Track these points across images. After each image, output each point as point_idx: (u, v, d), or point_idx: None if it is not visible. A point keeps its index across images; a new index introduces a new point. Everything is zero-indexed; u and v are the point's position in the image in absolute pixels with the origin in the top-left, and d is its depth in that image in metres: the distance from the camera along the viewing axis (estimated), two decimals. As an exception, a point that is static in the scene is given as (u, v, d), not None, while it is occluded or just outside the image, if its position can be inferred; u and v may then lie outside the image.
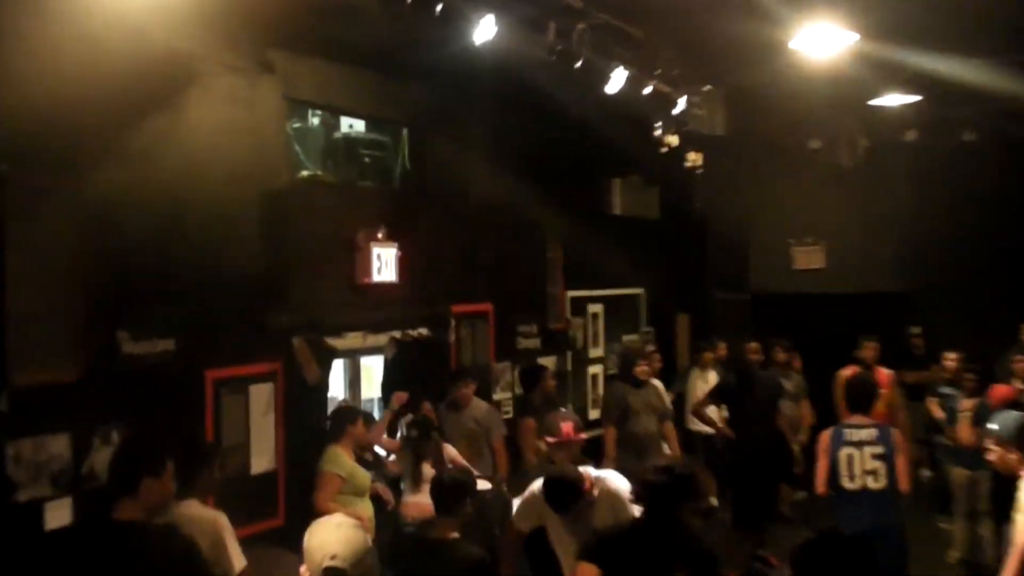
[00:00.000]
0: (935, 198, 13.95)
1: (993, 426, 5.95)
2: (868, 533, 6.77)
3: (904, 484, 7.38)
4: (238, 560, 5.36)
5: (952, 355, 11.32)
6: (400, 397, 8.59)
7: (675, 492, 4.85)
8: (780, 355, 11.79)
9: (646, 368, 10.04)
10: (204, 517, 5.38)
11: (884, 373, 10.80)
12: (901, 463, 7.38)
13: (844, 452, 7.45)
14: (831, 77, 10.34)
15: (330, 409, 8.33)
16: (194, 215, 6.94)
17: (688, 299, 14.05)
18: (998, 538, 8.69)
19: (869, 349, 11.30)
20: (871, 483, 7.38)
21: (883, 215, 14.43)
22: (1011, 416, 6.01)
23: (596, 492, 5.74)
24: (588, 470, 5.86)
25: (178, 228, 6.82)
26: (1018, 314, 12.16)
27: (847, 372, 10.92)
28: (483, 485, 7.34)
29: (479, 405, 9.31)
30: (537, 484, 5.84)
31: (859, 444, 7.42)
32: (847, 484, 7.39)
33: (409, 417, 8.49)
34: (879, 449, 7.39)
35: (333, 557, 3.98)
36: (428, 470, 7.90)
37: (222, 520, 5.44)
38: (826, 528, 4.14)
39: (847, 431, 7.50)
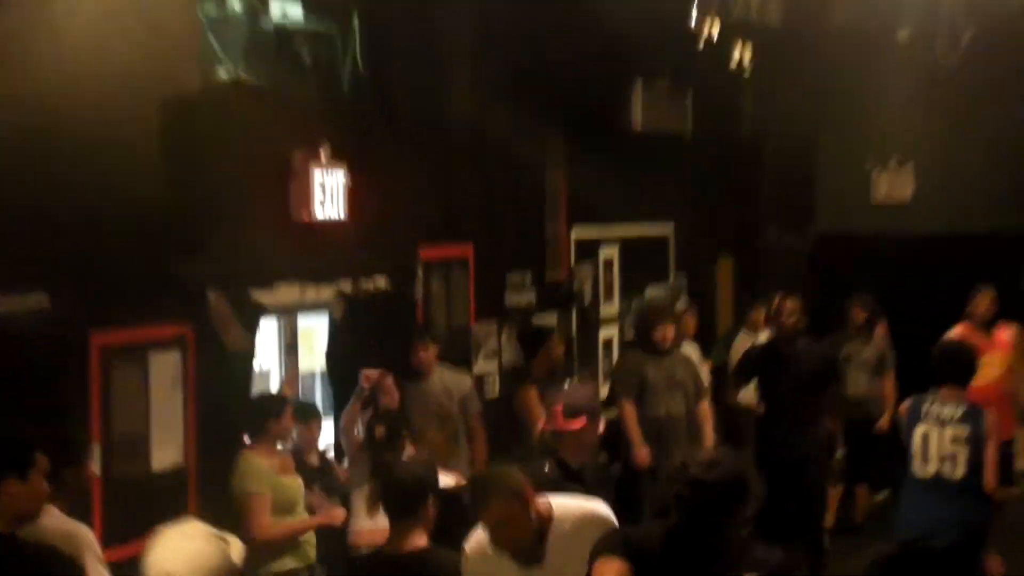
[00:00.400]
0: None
1: None
2: (933, 532, 7.06)
3: (991, 480, 7.52)
4: None
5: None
6: (369, 376, 8.64)
7: (721, 495, 4.76)
8: (858, 315, 11.85)
9: (670, 332, 10.06)
10: (61, 531, 5.24)
11: (1005, 333, 10.86)
12: (991, 452, 7.54)
13: (920, 430, 7.72)
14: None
15: (256, 385, 8.40)
16: (73, 133, 6.91)
17: (733, 240, 14.10)
18: None
19: (984, 302, 11.33)
20: (947, 470, 7.58)
21: (993, 130, 14.37)
22: None
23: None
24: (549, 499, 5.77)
25: (53, 150, 6.79)
26: None
27: (957, 331, 10.99)
28: (447, 481, 7.40)
29: (446, 372, 9.42)
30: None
31: (940, 422, 7.63)
32: (918, 469, 7.66)
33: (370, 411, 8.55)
34: (964, 431, 7.57)
35: None
36: None
37: (84, 535, 5.40)
38: (909, 540, 4.19)
39: (928, 405, 7.72)
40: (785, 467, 9.62)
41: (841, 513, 11.97)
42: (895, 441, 11.93)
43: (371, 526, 7.98)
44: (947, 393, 7.75)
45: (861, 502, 11.95)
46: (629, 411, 9.78)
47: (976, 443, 7.51)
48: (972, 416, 7.60)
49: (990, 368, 10.05)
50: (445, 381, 9.35)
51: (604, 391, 11.62)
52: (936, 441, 7.62)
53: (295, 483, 7.78)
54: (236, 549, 4.42)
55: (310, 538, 7.84)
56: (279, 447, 7.88)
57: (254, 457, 7.63)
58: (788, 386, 9.93)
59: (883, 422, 11.61)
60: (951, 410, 7.65)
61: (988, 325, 10.97)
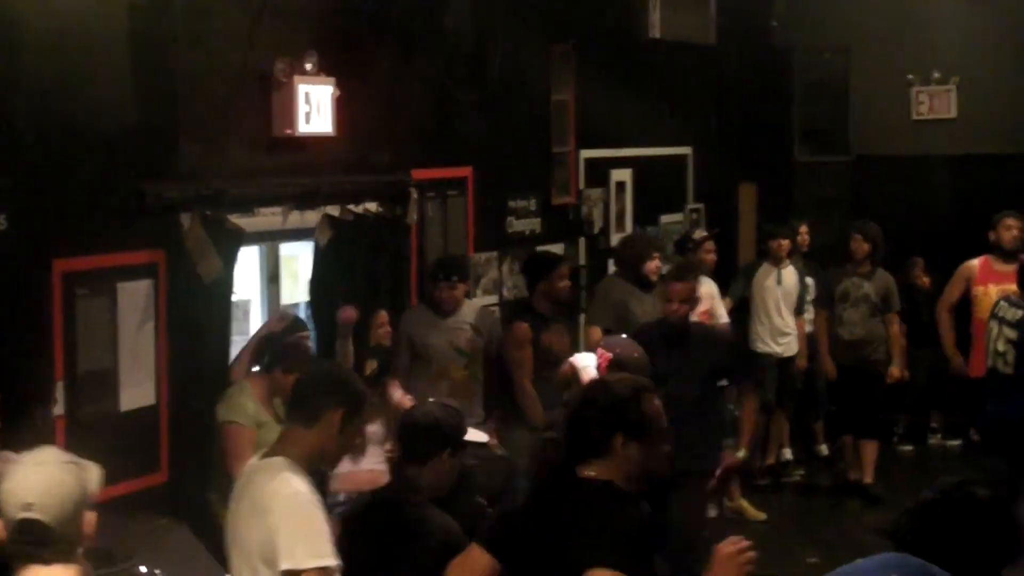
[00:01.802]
0: None
1: None
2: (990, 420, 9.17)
3: None
4: None
5: None
6: (349, 314, 8.66)
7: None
8: (860, 247, 11.86)
9: (657, 264, 10.27)
10: None
11: None
12: None
13: (992, 323, 9.44)
14: None
15: (237, 316, 8.41)
16: (33, 37, 6.89)
17: (759, 162, 14.14)
18: None
19: (1010, 229, 11.37)
20: (1000, 366, 9.19)
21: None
22: None
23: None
24: None
25: (10, 57, 6.78)
26: None
27: (976, 262, 11.16)
28: (478, 436, 7.46)
29: (474, 307, 9.56)
30: None
31: (1003, 321, 9.20)
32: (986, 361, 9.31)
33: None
34: (1014, 334, 8.92)
35: (28, 506, 4.06)
36: (372, 427, 7.96)
37: None
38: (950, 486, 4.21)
39: (1004, 302, 9.46)
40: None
41: (846, 471, 12.18)
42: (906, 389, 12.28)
43: (350, 468, 7.99)
44: (1019, 296, 9.28)
45: (867, 459, 11.97)
46: (595, 332, 9.95)
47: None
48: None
49: None
50: (470, 318, 9.44)
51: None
52: (995, 337, 9.20)
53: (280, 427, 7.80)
54: (94, 476, 4.44)
55: None
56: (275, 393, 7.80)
57: (246, 386, 7.70)
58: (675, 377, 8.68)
59: (894, 370, 11.84)
60: (1013, 312, 8.99)
61: (1012, 255, 10.96)
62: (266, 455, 5.07)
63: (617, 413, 4.80)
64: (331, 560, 4.78)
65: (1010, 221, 11.30)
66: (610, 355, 6.92)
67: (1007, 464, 9.26)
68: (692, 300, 9.13)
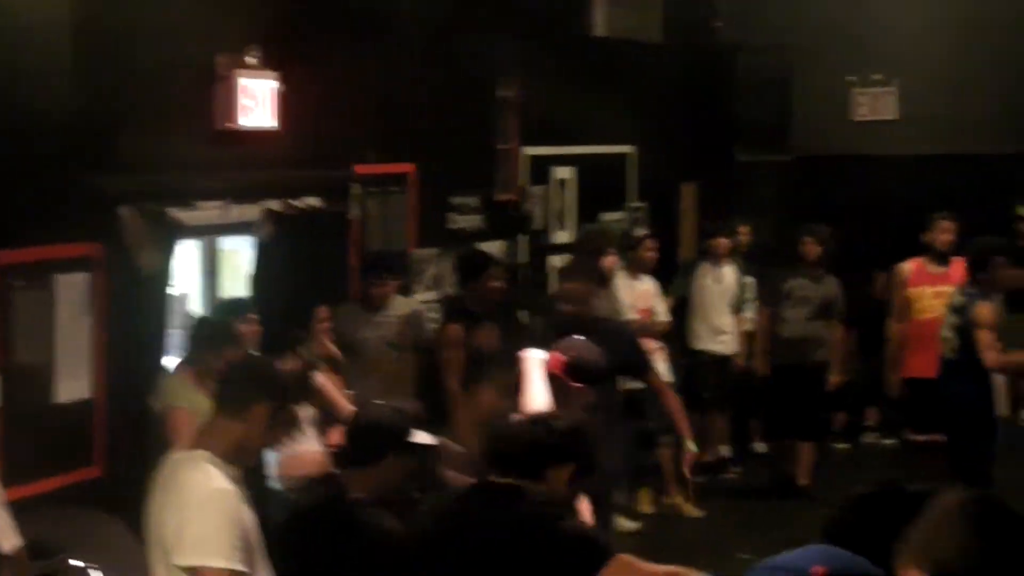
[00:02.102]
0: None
1: None
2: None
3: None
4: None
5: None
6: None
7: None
8: (811, 250, 11.84)
9: (613, 259, 10.26)
10: None
11: (960, 265, 10.74)
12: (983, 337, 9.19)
13: (947, 313, 9.77)
14: None
15: (176, 310, 8.38)
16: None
17: (700, 162, 14.14)
18: None
19: (942, 232, 11.44)
20: (947, 352, 9.58)
21: (989, 46, 14.54)
22: None
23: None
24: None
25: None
26: None
27: (910, 265, 11.22)
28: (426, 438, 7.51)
29: (406, 303, 9.64)
30: None
31: (950, 308, 9.65)
32: None
33: None
34: (956, 319, 9.46)
35: None
36: (305, 410, 8.09)
37: None
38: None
39: (955, 292, 9.77)
40: None
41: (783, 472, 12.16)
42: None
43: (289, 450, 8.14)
44: (966, 285, 9.65)
45: (804, 459, 11.98)
46: None
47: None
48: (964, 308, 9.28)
49: (940, 301, 10.53)
50: (399, 312, 9.56)
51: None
52: (944, 324, 9.62)
53: None
54: None
55: None
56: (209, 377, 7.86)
57: (184, 379, 7.73)
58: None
59: (833, 378, 11.89)
60: (959, 299, 9.49)
61: (946, 257, 11.08)
62: (188, 448, 5.04)
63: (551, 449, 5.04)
64: (235, 564, 4.74)
65: (945, 223, 11.37)
66: (565, 358, 6.88)
67: (944, 448, 9.62)
68: (583, 301, 9.03)
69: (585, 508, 6.29)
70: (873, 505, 3.91)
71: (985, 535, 3.14)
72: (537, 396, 6.49)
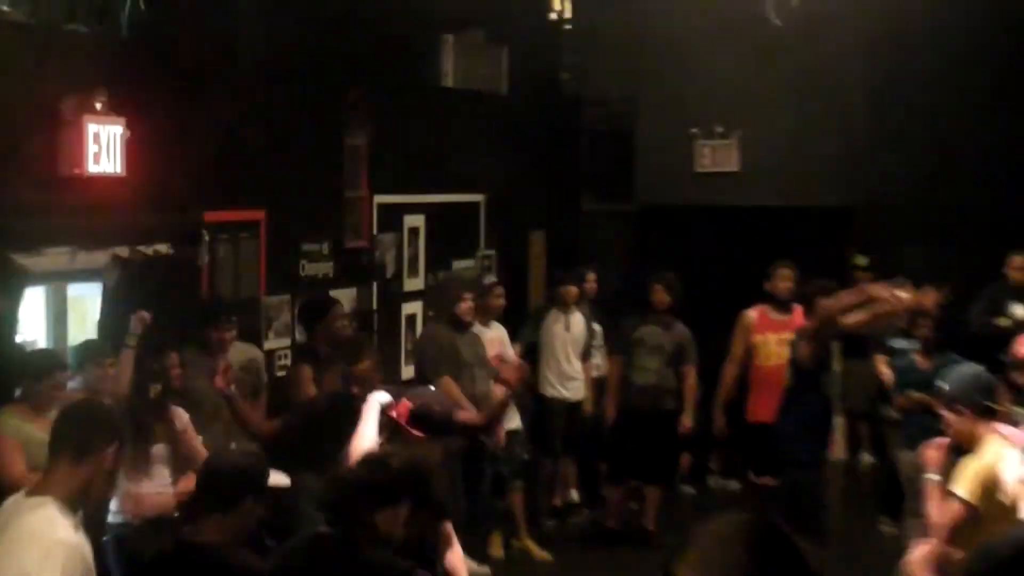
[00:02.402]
0: (899, 83, 14.38)
1: (944, 384, 6.37)
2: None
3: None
4: None
5: (904, 291, 11.73)
6: (143, 317, 8.61)
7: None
8: (661, 298, 11.93)
9: (470, 305, 10.47)
10: None
11: (799, 311, 10.99)
12: None
13: None
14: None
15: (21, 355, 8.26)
16: None
17: (548, 211, 14.23)
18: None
19: (781, 279, 11.59)
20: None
21: (822, 101, 14.82)
22: (966, 370, 6.43)
23: None
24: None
25: None
26: (1002, 242, 12.62)
27: (753, 313, 11.38)
28: (280, 479, 7.62)
29: (243, 349, 9.55)
30: None
31: None
32: None
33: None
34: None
35: None
36: (158, 449, 8.20)
37: None
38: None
39: None
40: None
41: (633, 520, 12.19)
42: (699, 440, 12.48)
43: (136, 489, 8.19)
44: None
45: (650, 503, 12.07)
46: (452, 387, 10.05)
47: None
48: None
49: (783, 348, 10.65)
50: (241, 354, 9.49)
51: (405, 370, 11.74)
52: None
53: (43, 441, 7.71)
54: None
55: None
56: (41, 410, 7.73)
57: (10, 413, 7.68)
58: None
59: (686, 420, 11.95)
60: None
61: (785, 305, 11.29)
62: (31, 493, 5.02)
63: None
64: None
65: (784, 271, 11.54)
66: (411, 405, 6.87)
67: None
68: (369, 380, 9.09)
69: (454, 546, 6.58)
70: (702, 538, 4.00)
71: (759, 559, 3.18)
72: (366, 438, 6.49)
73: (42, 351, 8.32)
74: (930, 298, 10.66)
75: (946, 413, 6.75)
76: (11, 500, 5.14)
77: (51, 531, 4.85)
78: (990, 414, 6.69)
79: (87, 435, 5.05)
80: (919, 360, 10.51)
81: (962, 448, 6.68)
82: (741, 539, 3.30)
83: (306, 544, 5.57)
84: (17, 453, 7.55)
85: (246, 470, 5.86)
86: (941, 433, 7.12)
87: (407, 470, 5.38)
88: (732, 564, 3.10)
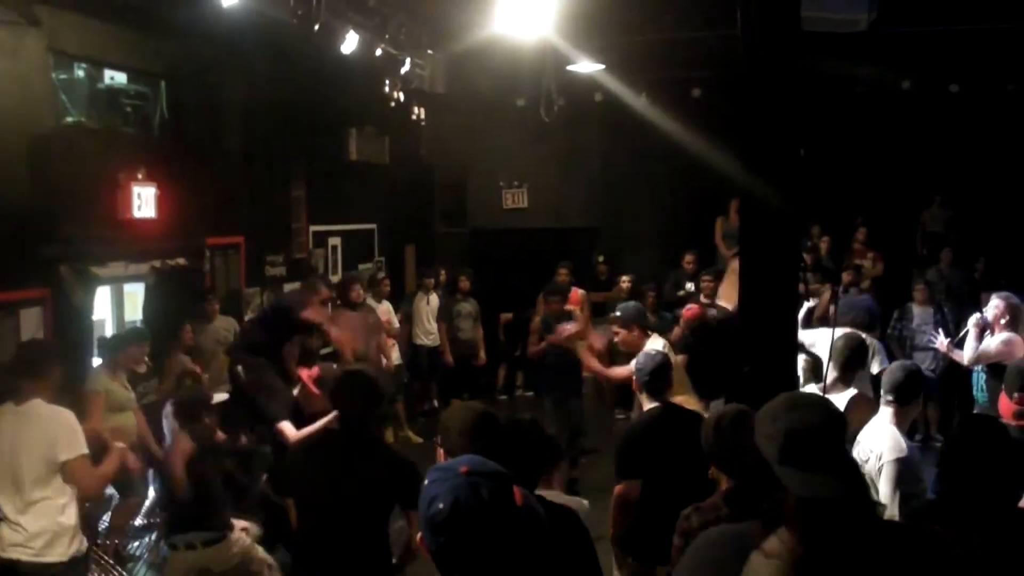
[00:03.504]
0: (617, 148, 14.56)
1: (616, 313, 6.62)
2: None
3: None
4: None
5: (627, 278, 12.16)
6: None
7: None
8: (464, 283, 11.91)
9: (359, 292, 10.26)
10: None
11: (577, 293, 11.15)
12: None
13: None
14: (534, 47, 10.84)
15: (96, 331, 8.24)
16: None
17: (415, 232, 14.30)
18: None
19: (563, 274, 11.83)
20: None
21: (575, 162, 14.90)
22: (631, 304, 6.71)
23: None
24: None
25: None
26: (680, 246, 13.12)
27: (544, 296, 11.55)
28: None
29: (222, 318, 9.46)
30: None
31: None
32: None
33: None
34: None
35: None
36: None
37: None
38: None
39: None
40: None
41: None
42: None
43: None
44: None
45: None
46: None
47: None
48: None
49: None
50: (224, 323, 9.43)
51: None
52: None
53: (126, 394, 7.70)
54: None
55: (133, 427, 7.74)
56: (119, 373, 7.66)
57: (99, 373, 7.55)
58: None
59: (481, 358, 11.94)
60: None
61: (565, 290, 11.37)
62: (19, 403, 4.85)
63: None
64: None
65: (563, 269, 11.72)
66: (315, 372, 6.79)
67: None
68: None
69: None
70: (502, 431, 3.81)
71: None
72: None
73: (134, 329, 8.16)
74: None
75: (618, 329, 6.68)
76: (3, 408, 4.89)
77: (58, 409, 4.84)
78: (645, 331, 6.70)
79: (41, 363, 4.96)
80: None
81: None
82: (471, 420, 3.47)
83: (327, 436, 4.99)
84: (101, 403, 7.33)
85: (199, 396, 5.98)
86: None
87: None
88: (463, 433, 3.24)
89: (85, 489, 4.89)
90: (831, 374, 5.51)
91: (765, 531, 2.39)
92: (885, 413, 4.81)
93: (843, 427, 2.43)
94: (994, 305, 7.18)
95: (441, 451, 3.42)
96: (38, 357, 4.99)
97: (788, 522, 2.34)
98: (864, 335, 6.60)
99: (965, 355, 7.29)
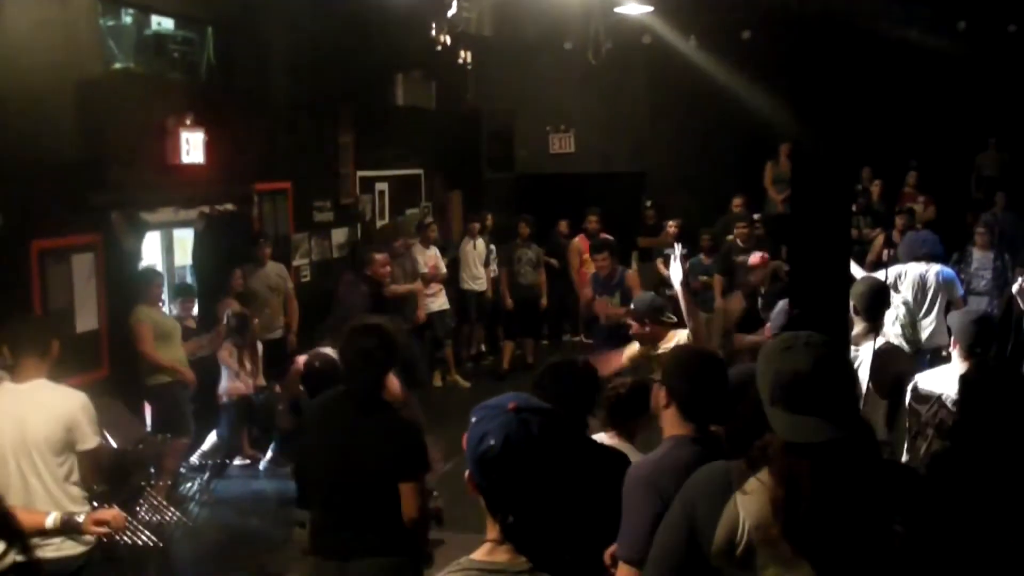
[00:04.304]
0: (665, 92, 14.41)
1: (631, 306, 6.27)
2: None
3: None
4: None
5: (673, 223, 12.08)
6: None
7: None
8: (524, 229, 12.08)
9: (403, 242, 10.46)
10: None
11: (605, 238, 11.14)
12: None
13: None
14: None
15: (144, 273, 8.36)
16: (14, 105, 6.74)
17: (461, 178, 14.24)
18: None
19: (592, 221, 11.80)
20: None
21: (623, 106, 14.79)
22: (646, 297, 6.39)
23: None
24: None
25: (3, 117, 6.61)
26: (729, 191, 12.99)
27: (578, 240, 11.54)
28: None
29: (276, 266, 9.48)
30: None
31: None
32: None
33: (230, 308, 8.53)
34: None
35: None
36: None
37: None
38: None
39: None
40: None
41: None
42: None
43: (235, 383, 8.35)
44: None
45: (528, 350, 12.11)
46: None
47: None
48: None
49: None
50: (275, 268, 9.45)
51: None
52: None
53: (170, 322, 7.82)
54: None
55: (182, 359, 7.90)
56: (159, 304, 7.93)
57: (142, 306, 7.71)
58: None
59: (544, 302, 12.11)
60: None
61: (596, 234, 11.25)
62: (19, 382, 4.38)
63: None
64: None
65: (593, 217, 11.68)
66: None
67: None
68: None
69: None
70: (557, 371, 3.95)
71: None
72: None
73: (147, 270, 8.21)
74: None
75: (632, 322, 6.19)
76: (4, 387, 4.42)
77: (71, 392, 4.42)
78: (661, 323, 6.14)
79: (44, 339, 4.48)
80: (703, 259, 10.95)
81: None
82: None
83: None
84: (148, 331, 7.62)
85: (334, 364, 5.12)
86: None
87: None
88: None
89: (86, 480, 4.44)
90: (857, 324, 5.27)
91: (747, 471, 2.36)
92: (962, 366, 4.58)
93: (841, 369, 2.37)
94: None
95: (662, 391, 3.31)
96: (40, 332, 4.54)
97: (771, 464, 2.31)
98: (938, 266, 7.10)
99: None
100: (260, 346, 8.78)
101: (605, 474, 3.39)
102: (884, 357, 5.00)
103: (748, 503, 2.32)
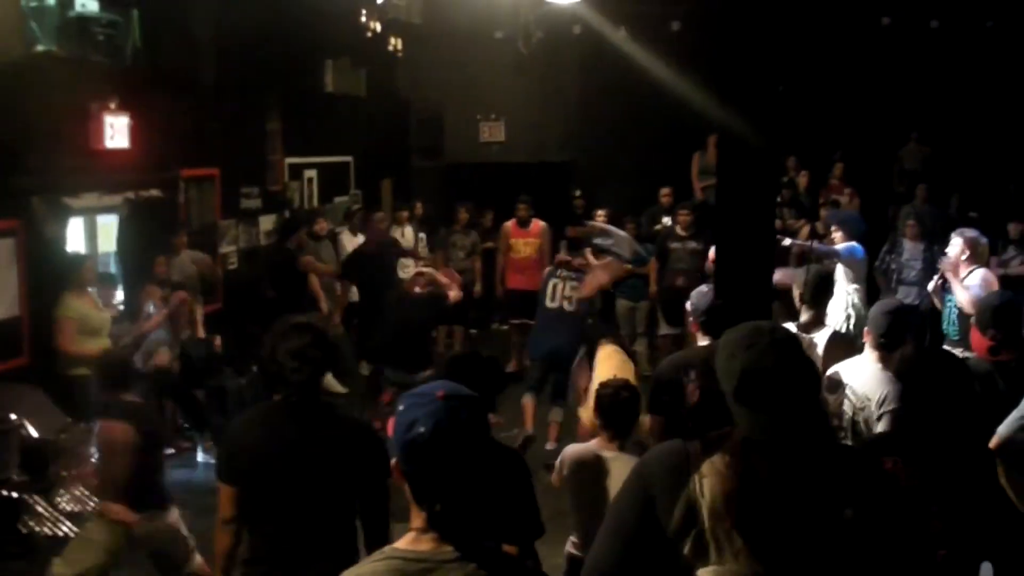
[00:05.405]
0: (595, 82, 14.50)
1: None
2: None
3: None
4: None
5: (602, 212, 12.12)
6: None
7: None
8: (463, 215, 11.94)
9: (324, 225, 10.41)
10: None
11: (537, 224, 11.13)
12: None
13: (552, 281, 8.66)
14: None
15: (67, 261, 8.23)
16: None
17: (391, 166, 14.25)
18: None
19: (522, 209, 11.79)
20: (566, 307, 8.48)
21: (553, 96, 14.87)
22: None
23: None
24: None
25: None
26: (657, 181, 13.11)
27: (509, 225, 11.47)
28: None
29: (190, 252, 9.34)
30: None
31: (566, 277, 8.68)
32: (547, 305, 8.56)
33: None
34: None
35: None
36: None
37: None
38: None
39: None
40: None
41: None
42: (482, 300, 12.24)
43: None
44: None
45: (456, 338, 11.96)
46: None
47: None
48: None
49: (527, 248, 10.90)
50: (191, 257, 9.29)
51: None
52: (561, 289, 8.53)
53: (100, 316, 7.67)
54: None
55: None
56: (88, 290, 7.69)
57: (71, 297, 7.53)
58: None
59: (477, 288, 11.93)
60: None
61: (527, 221, 11.15)
62: None
63: None
64: None
65: (522, 205, 11.66)
66: None
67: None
68: None
69: None
70: (459, 364, 4.08)
71: None
72: None
73: (76, 254, 8.13)
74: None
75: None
76: None
77: None
78: None
79: None
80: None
81: None
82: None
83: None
84: (73, 328, 7.40)
85: None
86: None
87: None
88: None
89: None
90: (804, 312, 5.44)
91: (703, 455, 2.35)
92: (871, 356, 4.62)
93: (806, 367, 2.37)
94: (954, 243, 7.18)
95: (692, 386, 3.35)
96: None
97: (730, 455, 2.31)
98: None
99: (960, 298, 7.14)
100: (199, 310, 8.80)
101: (502, 468, 3.61)
102: (831, 349, 5.14)
103: (704, 487, 2.31)
